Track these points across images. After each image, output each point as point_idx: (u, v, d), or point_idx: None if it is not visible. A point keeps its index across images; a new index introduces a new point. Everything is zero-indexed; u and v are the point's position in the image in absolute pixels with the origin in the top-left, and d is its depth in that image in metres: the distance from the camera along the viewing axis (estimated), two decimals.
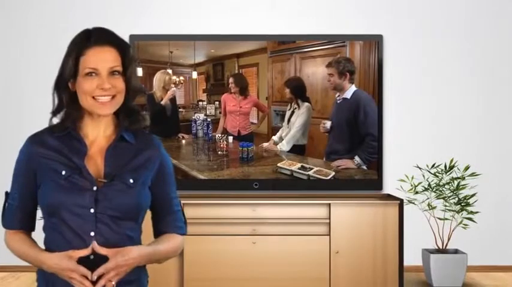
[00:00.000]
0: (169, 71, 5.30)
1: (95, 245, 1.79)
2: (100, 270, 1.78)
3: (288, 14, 5.38)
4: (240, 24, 5.35)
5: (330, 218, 4.69)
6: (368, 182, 5.25)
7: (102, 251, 1.79)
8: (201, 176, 5.23)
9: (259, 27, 5.34)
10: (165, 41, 5.27)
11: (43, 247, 1.91)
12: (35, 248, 1.89)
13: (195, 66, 5.32)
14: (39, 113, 5.16)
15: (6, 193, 1.96)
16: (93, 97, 1.85)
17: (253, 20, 5.36)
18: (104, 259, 1.80)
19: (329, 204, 4.70)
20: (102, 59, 1.85)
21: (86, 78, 1.85)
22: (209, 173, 5.25)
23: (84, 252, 1.79)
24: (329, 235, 4.69)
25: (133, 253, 1.82)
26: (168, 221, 1.99)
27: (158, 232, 2.01)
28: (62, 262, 1.78)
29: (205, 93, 5.34)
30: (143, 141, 1.96)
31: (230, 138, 5.31)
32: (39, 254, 1.86)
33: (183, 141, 5.32)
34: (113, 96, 1.86)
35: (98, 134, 1.92)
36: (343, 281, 4.67)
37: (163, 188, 1.97)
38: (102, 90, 1.84)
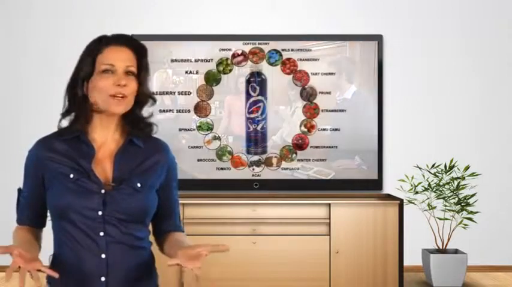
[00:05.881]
0: (169, 70, 5.30)
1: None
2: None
3: (288, 14, 5.38)
4: (240, 24, 5.35)
5: (330, 218, 4.69)
6: (368, 182, 5.25)
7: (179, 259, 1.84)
8: (201, 176, 5.24)
9: (259, 27, 5.35)
10: (165, 41, 5.27)
11: (51, 246, 1.92)
12: (20, 240, 1.86)
13: (195, 66, 5.31)
14: (40, 113, 5.18)
15: (19, 190, 1.98)
16: (109, 95, 1.86)
17: (253, 20, 5.37)
18: (117, 259, 1.84)
19: (329, 204, 4.70)
20: (119, 57, 1.88)
21: (101, 75, 1.86)
22: (209, 173, 5.25)
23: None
24: (329, 235, 4.69)
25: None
26: (171, 221, 2.03)
27: (160, 231, 2.04)
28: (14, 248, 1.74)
29: (205, 93, 5.33)
30: (151, 145, 1.98)
31: (230, 138, 5.31)
32: (18, 245, 1.81)
33: (183, 141, 5.32)
34: (125, 97, 1.87)
35: (106, 137, 1.93)
36: (343, 281, 4.67)
37: (168, 192, 2.01)
38: (118, 87, 1.85)
